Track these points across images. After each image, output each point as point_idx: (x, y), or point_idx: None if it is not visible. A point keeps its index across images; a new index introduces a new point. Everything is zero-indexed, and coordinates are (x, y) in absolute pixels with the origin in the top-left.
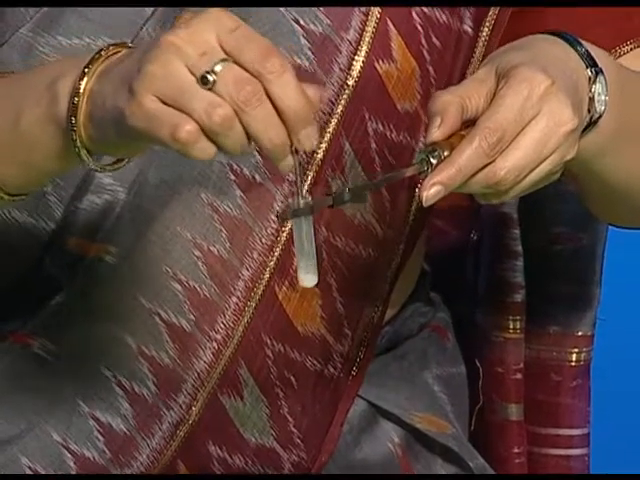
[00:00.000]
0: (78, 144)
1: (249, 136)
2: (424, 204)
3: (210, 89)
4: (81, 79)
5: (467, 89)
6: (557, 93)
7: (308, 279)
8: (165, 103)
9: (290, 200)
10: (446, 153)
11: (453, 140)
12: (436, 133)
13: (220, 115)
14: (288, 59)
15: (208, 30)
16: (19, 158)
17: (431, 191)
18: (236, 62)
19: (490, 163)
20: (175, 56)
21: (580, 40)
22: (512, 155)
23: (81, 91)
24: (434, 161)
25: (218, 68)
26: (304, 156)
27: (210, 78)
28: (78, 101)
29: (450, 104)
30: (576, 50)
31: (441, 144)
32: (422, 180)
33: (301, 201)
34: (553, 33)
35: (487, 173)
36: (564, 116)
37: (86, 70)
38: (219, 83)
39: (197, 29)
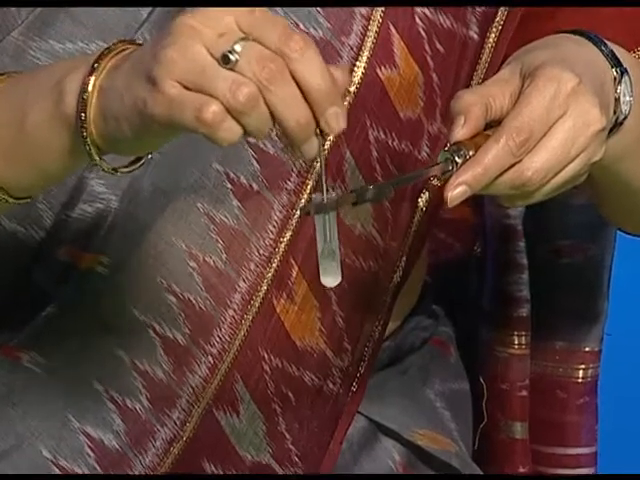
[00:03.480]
0: (88, 141)
1: (273, 116)
2: (448, 205)
3: (232, 69)
4: (90, 74)
5: (491, 89)
6: (584, 92)
7: (330, 280)
8: (187, 88)
9: (314, 195)
10: (471, 152)
11: (478, 140)
12: (460, 132)
13: (245, 93)
14: None
15: (225, 12)
16: (25, 158)
17: (456, 191)
18: (257, 42)
19: (516, 163)
20: (193, 39)
21: (604, 39)
22: (540, 155)
23: (90, 87)
24: (459, 160)
25: (238, 48)
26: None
27: (232, 57)
28: (87, 97)
29: (474, 103)
30: (601, 49)
31: (466, 143)
32: (425, 185)
33: (325, 196)
34: (576, 32)
35: (514, 173)
36: (592, 116)
37: (95, 65)
38: (241, 61)
39: (213, 12)
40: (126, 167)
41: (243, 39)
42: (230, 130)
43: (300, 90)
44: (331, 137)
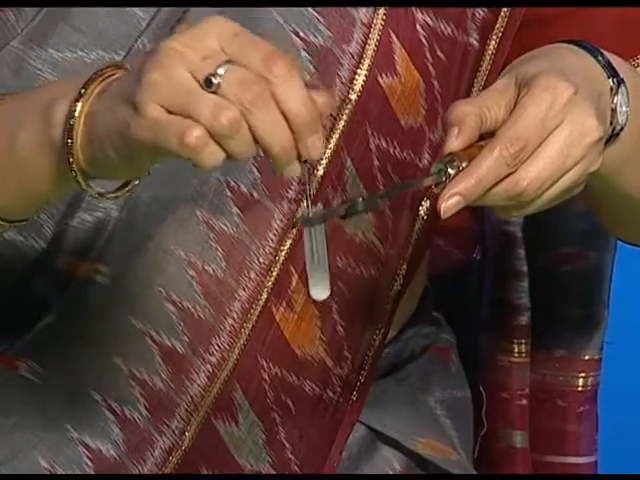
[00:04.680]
0: (74, 167)
1: (256, 140)
2: (442, 216)
3: (215, 92)
4: (77, 100)
5: (486, 100)
6: (581, 102)
7: (319, 292)
8: (170, 111)
9: (303, 206)
10: (464, 164)
11: (472, 151)
12: (454, 143)
13: (227, 117)
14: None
15: (209, 35)
16: (14, 182)
17: (450, 202)
18: (240, 65)
19: (511, 174)
20: (176, 61)
21: (601, 49)
22: (535, 165)
23: (77, 113)
24: (452, 172)
25: (222, 71)
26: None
27: (214, 80)
28: (74, 123)
29: (468, 114)
30: (597, 59)
31: (459, 154)
32: (426, 193)
33: (312, 210)
34: (572, 42)
35: (508, 184)
36: (588, 125)
37: (82, 91)
38: (224, 85)
39: (198, 34)
40: (113, 192)
41: (227, 62)
42: (213, 154)
43: (282, 114)
44: (330, 150)
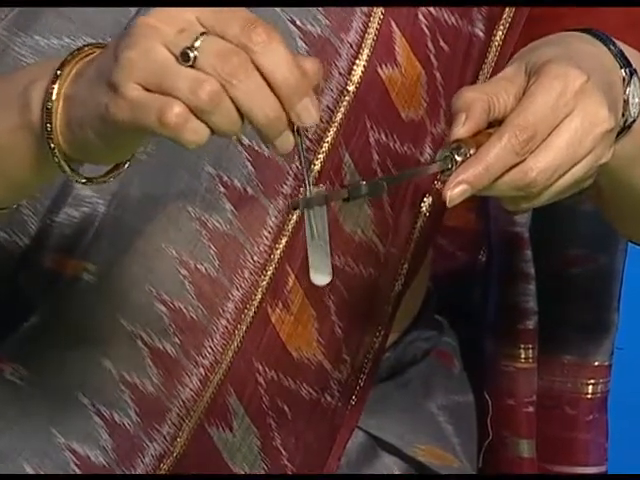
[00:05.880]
0: (56, 152)
1: (241, 113)
2: (448, 205)
3: (192, 66)
4: (53, 83)
5: (495, 87)
6: (592, 90)
7: (320, 278)
8: (148, 89)
9: (302, 189)
10: (472, 151)
11: (480, 138)
12: (461, 130)
13: (207, 91)
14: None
15: (186, 10)
16: None
17: (456, 190)
18: (218, 36)
19: (519, 163)
20: (152, 37)
21: (613, 39)
22: (544, 155)
23: (54, 96)
24: (459, 159)
25: (198, 43)
26: (309, 143)
27: (191, 54)
28: (52, 106)
29: (476, 100)
30: (609, 48)
31: (467, 141)
32: (428, 189)
33: (312, 190)
34: (584, 30)
35: (516, 174)
36: (600, 115)
37: (58, 73)
38: (201, 58)
39: (174, 9)
40: (102, 176)
41: (204, 34)
42: (195, 131)
43: (268, 84)
44: (327, 144)
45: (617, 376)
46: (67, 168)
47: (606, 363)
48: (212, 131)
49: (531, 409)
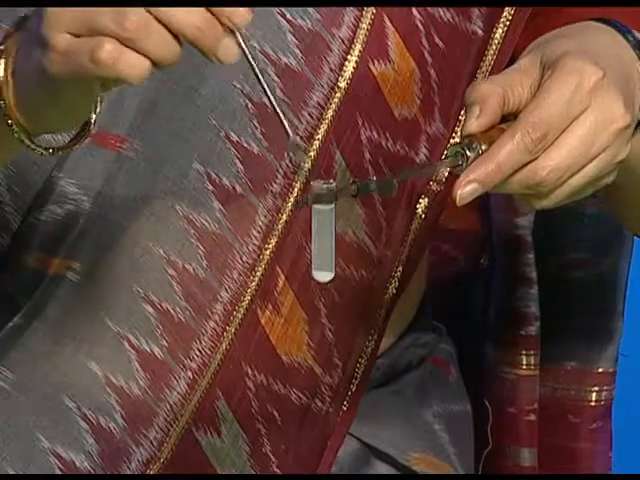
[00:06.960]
0: (15, 128)
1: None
2: (458, 203)
3: None
4: None
5: (509, 79)
6: (608, 87)
7: (322, 275)
8: (78, 36)
9: (312, 182)
10: (484, 147)
11: (492, 134)
12: (474, 125)
13: (132, 20)
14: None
15: None
16: None
17: (466, 189)
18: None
19: (532, 161)
20: None
21: (630, 29)
22: (556, 153)
23: (1, 72)
24: (471, 155)
25: None
26: (300, 140)
27: None
28: (1, 82)
29: (490, 94)
30: (626, 39)
31: (479, 137)
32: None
33: (323, 185)
34: (600, 20)
35: (528, 172)
36: (615, 112)
37: (2, 48)
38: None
39: None
40: (66, 146)
41: None
42: (133, 64)
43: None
44: (317, 141)
45: (621, 383)
46: (27, 141)
47: (610, 370)
48: (153, 63)
49: (533, 417)
